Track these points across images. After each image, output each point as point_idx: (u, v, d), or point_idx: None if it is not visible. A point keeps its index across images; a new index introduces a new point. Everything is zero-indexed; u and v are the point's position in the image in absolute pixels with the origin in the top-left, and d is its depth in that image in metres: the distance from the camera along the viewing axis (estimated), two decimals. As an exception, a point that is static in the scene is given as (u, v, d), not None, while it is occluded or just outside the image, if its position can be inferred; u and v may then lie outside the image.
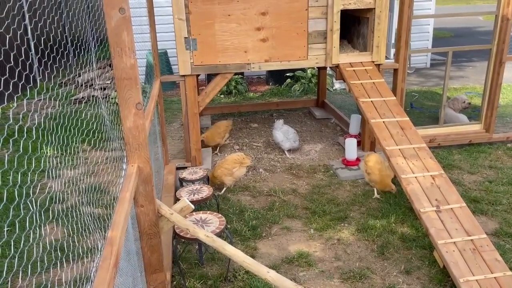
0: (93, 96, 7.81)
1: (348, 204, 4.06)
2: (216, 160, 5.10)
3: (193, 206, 2.63)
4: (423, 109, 6.77)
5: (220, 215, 3.11)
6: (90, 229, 3.11)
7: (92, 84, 8.89)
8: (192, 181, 3.98)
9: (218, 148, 5.36)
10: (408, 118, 4.01)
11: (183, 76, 4.50)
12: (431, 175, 3.45)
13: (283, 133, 5.18)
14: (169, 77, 4.82)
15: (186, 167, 4.83)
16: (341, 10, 4.45)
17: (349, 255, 3.36)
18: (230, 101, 7.70)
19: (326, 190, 4.34)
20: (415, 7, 6.40)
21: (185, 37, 4.35)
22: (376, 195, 4.15)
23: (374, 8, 4.47)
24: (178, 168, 4.78)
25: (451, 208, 3.20)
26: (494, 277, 2.75)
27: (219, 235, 2.92)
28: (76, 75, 9.06)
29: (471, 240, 2.98)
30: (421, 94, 7.62)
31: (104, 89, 8.50)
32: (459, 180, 4.41)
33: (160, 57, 8.16)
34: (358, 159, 4.76)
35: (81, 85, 8.79)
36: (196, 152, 4.80)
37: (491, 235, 3.51)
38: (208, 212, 3.17)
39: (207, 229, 2.92)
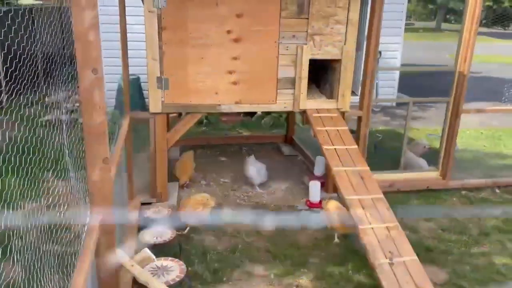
0: (61, 120, 7.71)
1: (308, 248, 4.18)
2: (182, 196, 5.14)
3: (154, 257, 2.68)
4: (386, 151, 7.04)
5: (181, 262, 3.16)
6: (51, 269, 3.07)
7: (61, 106, 8.78)
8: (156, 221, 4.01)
9: (188, 181, 5.41)
10: (368, 168, 4.21)
11: (154, 114, 4.57)
12: (386, 227, 3.62)
13: (257, 170, 5.37)
14: (139, 113, 4.88)
15: (151, 203, 4.86)
16: (310, 59, 4.67)
17: (306, 303, 3.46)
18: (200, 131, 7.78)
19: (288, 233, 4.44)
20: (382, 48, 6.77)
21: (157, 77, 4.44)
22: (336, 239, 4.29)
23: (341, 59, 4.70)
24: (143, 204, 4.79)
25: (404, 261, 3.36)
26: (440, 333, 2.90)
27: (180, 283, 2.97)
28: (45, 94, 8.93)
29: (421, 294, 3.14)
30: (385, 134, 7.93)
31: (73, 112, 8.40)
32: (415, 227, 4.61)
33: (132, 83, 8.17)
34: (321, 201, 4.90)
35: (49, 106, 8.65)
36: (162, 188, 4.83)
37: (441, 285, 3.69)
38: (170, 258, 3.21)
39: (167, 277, 2.96)
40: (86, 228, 2.33)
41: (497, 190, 5.67)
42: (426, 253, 4.12)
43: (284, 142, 7.02)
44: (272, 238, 4.34)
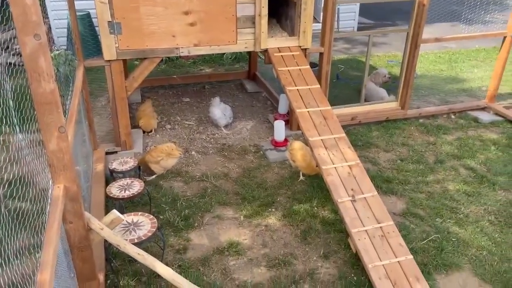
0: (10, 63, 7.23)
1: (275, 188, 4.32)
2: (147, 142, 5.10)
3: (123, 218, 2.71)
4: (348, 80, 7.11)
5: (151, 216, 3.21)
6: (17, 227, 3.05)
7: (8, 47, 8.17)
8: (123, 173, 4.00)
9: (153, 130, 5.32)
10: (330, 107, 4.26)
11: (109, 61, 4.35)
12: (348, 165, 3.77)
13: (221, 110, 5.34)
14: (93, 61, 4.60)
15: (116, 151, 4.81)
16: (269, -6, 4.47)
17: (275, 241, 3.65)
18: (160, 70, 7.52)
19: (255, 173, 4.55)
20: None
21: (108, 21, 4.16)
22: (301, 177, 4.45)
23: (301, -6, 4.53)
24: (108, 153, 4.73)
25: (365, 197, 3.55)
26: (398, 261, 3.16)
27: (152, 237, 3.05)
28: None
29: (380, 227, 3.37)
30: (346, 63, 7.94)
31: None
32: (375, 159, 4.82)
33: (83, 20, 7.64)
34: (286, 140, 4.99)
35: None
36: (126, 137, 4.76)
37: (399, 215, 3.97)
38: (140, 213, 3.25)
39: (139, 232, 3.03)
40: (49, 200, 2.30)
41: (453, 116, 5.92)
42: (386, 184, 4.36)
43: (247, 79, 6.93)
44: (239, 180, 4.44)
